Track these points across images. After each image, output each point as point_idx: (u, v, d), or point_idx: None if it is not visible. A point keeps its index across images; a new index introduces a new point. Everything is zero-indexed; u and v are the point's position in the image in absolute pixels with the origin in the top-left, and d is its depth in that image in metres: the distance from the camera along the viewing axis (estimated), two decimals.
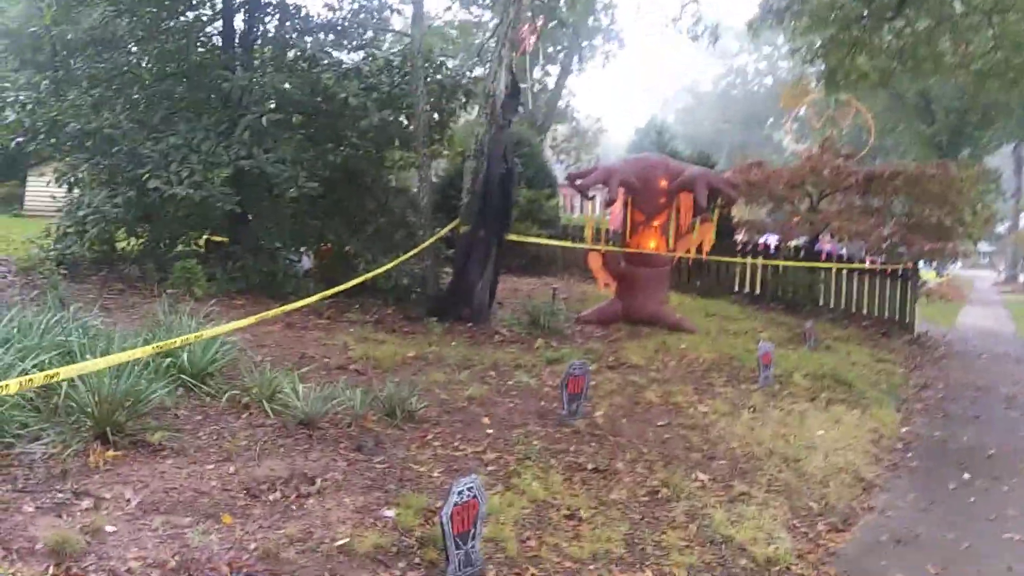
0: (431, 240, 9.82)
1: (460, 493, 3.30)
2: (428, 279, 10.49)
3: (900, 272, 14.53)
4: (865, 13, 16.44)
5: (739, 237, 18.03)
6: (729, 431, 6.03)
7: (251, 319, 5.94)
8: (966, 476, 5.95)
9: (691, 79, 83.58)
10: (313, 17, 11.99)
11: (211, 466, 4.16)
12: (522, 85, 29.05)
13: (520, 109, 9.92)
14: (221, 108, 10.92)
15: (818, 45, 18.08)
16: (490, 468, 4.59)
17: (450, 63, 13.25)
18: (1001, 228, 43.72)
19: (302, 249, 12.03)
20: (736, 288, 16.22)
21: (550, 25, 32.41)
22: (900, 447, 6.67)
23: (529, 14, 29.04)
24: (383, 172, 12.56)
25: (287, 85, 10.33)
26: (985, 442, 7.06)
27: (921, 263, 15.91)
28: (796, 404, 7.26)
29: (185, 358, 5.33)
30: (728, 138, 68.08)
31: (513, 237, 10.66)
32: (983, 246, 47.27)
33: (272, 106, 10.52)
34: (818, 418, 6.83)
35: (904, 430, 7.26)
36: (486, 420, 5.42)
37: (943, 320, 18.66)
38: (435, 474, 4.41)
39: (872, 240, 13.86)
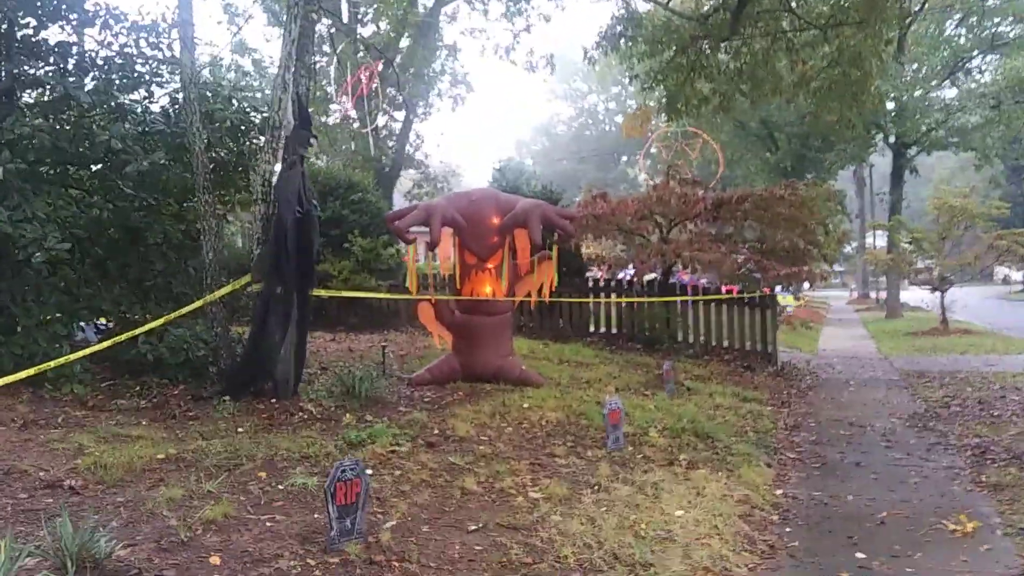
0: (201, 302, 8.15)
1: None
2: (221, 349, 8.79)
3: (757, 300, 13.76)
4: (701, 34, 15.87)
5: (598, 274, 17.06)
6: (563, 528, 4.65)
7: None
8: (860, 555, 4.75)
9: (544, 121, 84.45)
10: (89, 56, 10.15)
11: None
12: (363, 130, 27.62)
13: (313, 142, 8.46)
14: None
15: (656, 71, 17.48)
16: None
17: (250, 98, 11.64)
18: (849, 248, 44.97)
19: (81, 324, 10.17)
20: (592, 329, 15.14)
21: (390, 69, 31.23)
22: (776, 519, 5.46)
23: (362, 54, 27.75)
24: (177, 228, 10.78)
25: (28, 130, 8.46)
26: (873, 500, 5.95)
27: (778, 288, 15.25)
28: (650, 473, 5.97)
29: None
30: (585, 177, 68.72)
31: (321, 292, 9.11)
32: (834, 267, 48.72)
33: (11, 155, 8.63)
34: (676, 491, 5.56)
35: (779, 492, 6.07)
36: (215, 560, 3.84)
37: (805, 346, 18.15)
38: None
39: (725, 268, 13.01)
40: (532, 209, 9.40)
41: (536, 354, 12.34)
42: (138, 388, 8.58)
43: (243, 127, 10.36)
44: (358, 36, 29.13)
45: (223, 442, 6.12)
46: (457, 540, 4.37)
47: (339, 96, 27.94)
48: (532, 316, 15.13)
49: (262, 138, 10.23)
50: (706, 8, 16.22)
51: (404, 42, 31.49)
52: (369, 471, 5.50)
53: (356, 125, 29.61)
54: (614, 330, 14.95)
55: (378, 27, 30.62)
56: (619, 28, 17.41)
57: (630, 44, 17.22)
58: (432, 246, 9.30)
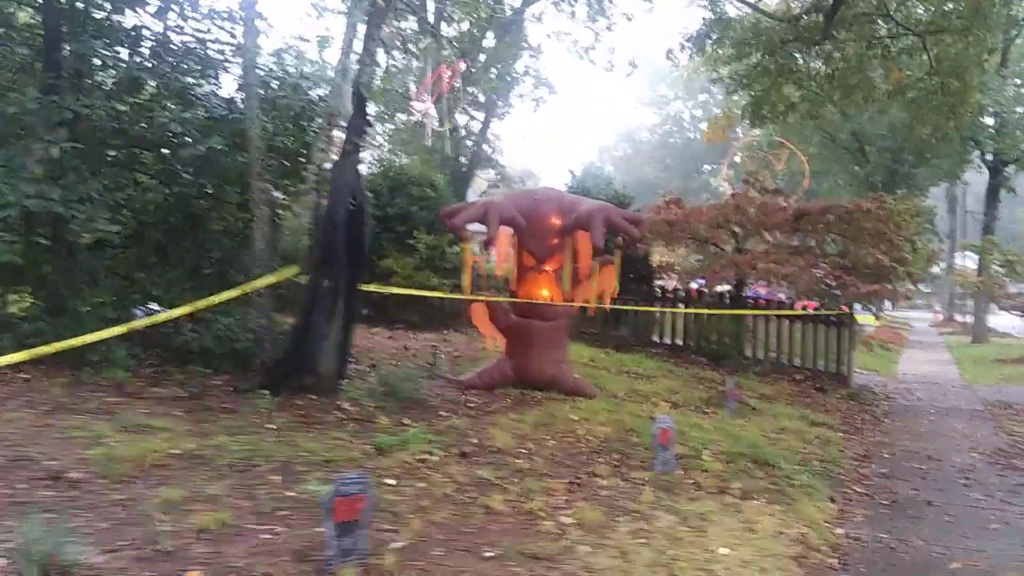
0: (239, 290, 7.87)
1: None
2: (264, 341, 8.56)
3: (835, 318, 13.02)
4: (791, 37, 15.16)
5: (672, 284, 16.50)
6: (591, 561, 4.19)
7: None
8: None
9: (628, 127, 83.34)
10: (164, 40, 10.04)
11: None
12: (440, 128, 27.48)
13: (369, 131, 8.14)
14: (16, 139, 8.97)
15: (743, 74, 16.81)
16: None
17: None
18: (936, 269, 43.13)
19: (137, 310, 10.10)
20: (657, 339, 14.58)
21: (474, 69, 31.01)
22: (835, 563, 4.88)
23: (446, 52, 27.72)
24: (239, 216, 10.62)
25: (87, 110, 8.35)
26: (946, 547, 5.32)
27: (858, 306, 14.44)
28: (698, 502, 5.46)
29: None
30: (667, 185, 67.50)
31: (370, 287, 8.80)
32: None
33: (69, 134, 8.53)
34: (725, 524, 5.04)
35: (840, 531, 5.48)
36: (195, 575, 3.51)
37: (883, 368, 17.22)
38: None
39: (803, 283, 12.30)
40: (596, 211, 8.94)
41: (596, 363, 11.88)
42: (181, 377, 8.40)
43: (309, 116, 10.16)
44: (442, 35, 29.02)
45: (246, 439, 5.83)
46: (470, 567, 3.96)
47: (418, 94, 27.88)
48: (595, 323, 14.66)
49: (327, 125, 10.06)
50: (797, 10, 15.46)
51: (488, 41, 31.21)
52: (391, 480, 5.16)
53: (435, 123, 29.60)
54: (680, 342, 14.36)
55: (459, 28, 30.35)
56: (706, 30, 16.81)
57: (715, 46, 16.61)
58: (488, 244, 8.93)
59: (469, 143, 33.19)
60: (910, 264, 13.43)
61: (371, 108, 32.32)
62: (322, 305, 7.91)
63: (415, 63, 31.28)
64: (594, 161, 63.23)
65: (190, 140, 8.74)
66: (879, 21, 14.61)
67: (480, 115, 33.58)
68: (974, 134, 25.92)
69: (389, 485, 5.04)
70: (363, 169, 10.67)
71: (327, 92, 10.78)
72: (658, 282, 16.43)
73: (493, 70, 31.53)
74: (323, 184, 8.05)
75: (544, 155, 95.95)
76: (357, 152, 8.02)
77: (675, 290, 15.11)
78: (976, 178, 36.15)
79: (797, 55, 15.90)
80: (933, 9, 14.44)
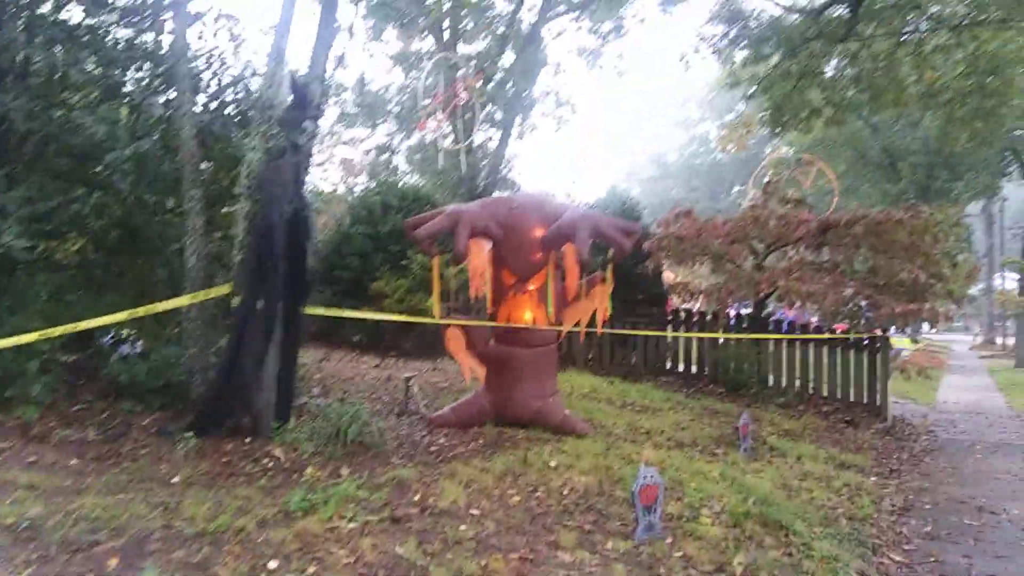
0: (124, 314, 6.64)
1: None
2: (194, 375, 7.39)
3: (866, 341, 11.64)
4: (813, 34, 13.89)
5: (696, 305, 15.14)
6: None
7: None
8: None
9: (654, 149, 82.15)
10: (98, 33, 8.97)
11: None
12: (453, 147, 26.47)
13: (308, 126, 6.96)
14: None
15: (762, 77, 15.57)
16: None
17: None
18: (975, 289, 41.29)
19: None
20: (668, 366, 13.25)
21: (489, 85, 29.94)
22: None
23: (462, 71, 26.83)
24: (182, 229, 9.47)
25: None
26: None
27: (892, 329, 13.01)
28: None
29: None
30: (695, 207, 65.92)
31: (320, 311, 7.59)
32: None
33: None
34: None
35: None
36: None
37: (922, 396, 15.72)
38: None
39: (828, 302, 10.95)
40: (581, 220, 7.68)
41: (597, 394, 10.59)
42: (105, 415, 7.26)
43: (245, 109, 9.06)
44: (456, 53, 28.10)
45: (119, 499, 4.64)
46: None
47: (430, 110, 26.95)
48: (600, 349, 13.37)
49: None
50: (819, 2, 14.21)
51: (506, 60, 30.11)
52: (274, 563, 3.93)
53: (450, 142, 28.69)
54: (694, 369, 13.01)
55: (474, 45, 29.33)
56: (722, 29, 15.62)
57: (732, 45, 15.41)
58: (458, 261, 7.73)
59: (483, 163, 32.12)
60: (949, 281, 12.02)
61: (386, 126, 31.02)
62: (255, 330, 6.72)
63: (427, 80, 30.36)
64: (619, 183, 62.11)
65: (112, 143, 7.63)
66: (909, 15, 13.32)
67: (498, 134, 32.48)
68: (1013, 144, 24.48)
69: (267, 570, 3.82)
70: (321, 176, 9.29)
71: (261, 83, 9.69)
72: (686, 305, 15.01)
73: (509, 86, 30.46)
74: (258, 189, 6.90)
75: (567, 177, 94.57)
76: (296, 151, 6.85)
77: (689, 312, 13.73)
78: (1016, 194, 34.53)
79: (820, 54, 14.62)
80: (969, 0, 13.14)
